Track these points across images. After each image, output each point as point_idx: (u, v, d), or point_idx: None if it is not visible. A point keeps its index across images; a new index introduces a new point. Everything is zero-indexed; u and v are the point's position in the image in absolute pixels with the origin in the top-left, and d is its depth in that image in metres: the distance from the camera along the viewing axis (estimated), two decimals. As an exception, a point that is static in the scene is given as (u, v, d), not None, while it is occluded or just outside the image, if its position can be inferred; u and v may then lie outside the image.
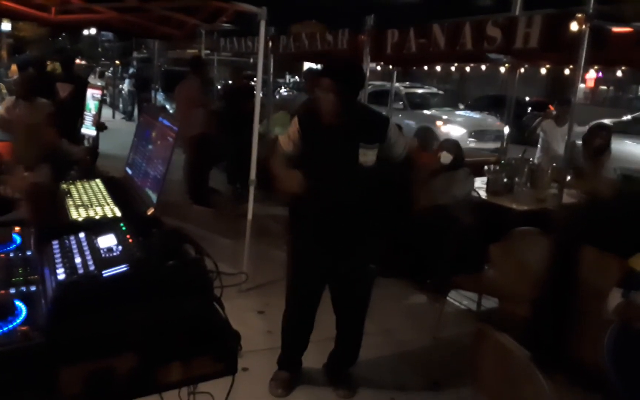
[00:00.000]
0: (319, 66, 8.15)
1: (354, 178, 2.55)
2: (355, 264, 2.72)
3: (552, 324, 3.03)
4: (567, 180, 4.21)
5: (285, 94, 16.16)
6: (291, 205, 2.79)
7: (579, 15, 3.45)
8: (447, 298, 3.85)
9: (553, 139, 5.77)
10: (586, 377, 2.59)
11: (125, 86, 15.43)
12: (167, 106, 9.46)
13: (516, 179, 4.73)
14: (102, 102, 5.80)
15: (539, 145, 6.13)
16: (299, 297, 2.84)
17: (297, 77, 25.18)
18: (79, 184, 1.98)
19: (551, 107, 7.05)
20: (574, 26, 3.52)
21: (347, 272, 2.72)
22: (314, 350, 3.00)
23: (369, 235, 2.72)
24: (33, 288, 1.32)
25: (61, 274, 1.25)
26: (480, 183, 4.75)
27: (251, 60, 11.44)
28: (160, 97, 10.67)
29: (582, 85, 3.75)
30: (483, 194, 4.60)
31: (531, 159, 5.19)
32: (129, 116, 14.56)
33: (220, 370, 1.35)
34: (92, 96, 5.62)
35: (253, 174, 4.16)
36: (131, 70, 15.81)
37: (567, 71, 5.78)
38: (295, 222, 2.79)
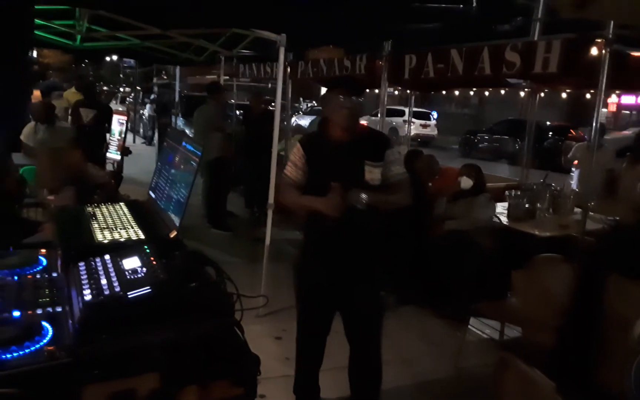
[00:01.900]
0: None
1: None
2: (365, 291, 2.62)
3: (577, 352, 2.94)
4: (591, 205, 4.14)
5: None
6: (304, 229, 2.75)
7: (599, 39, 3.44)
8: (469, 326, 3.78)
9: (588, 165, 5.69)
10: (613, 408, 2.50)
11: (146, 111, 15.73)
12: (187, 131, 9.61)
13: (538, 205, 4.66)
14: (127, 127, 5.94)
15: (573, 172, 6.06)
16: (306, 324, 2.78)
17: (314, 102, 25.46)
18: (103, 208, 2.01)
19: (572, 132, 6.99)
20: (593, 51, 3.51)
21: (355, 300, 2.62)
22: (331, 379, 2.93)
23: (378, 261, 2.64)
24: (59, 309, 1.34)
25: (88, 295, 1.27)
26: (501, 209, 4.69)
27: (269, 85, 11.63)
28: (180, 122, 10.85)
29: (604, 110, 3.71)
30: (504, 220, 4.54)
31: (552, 184, 5.11)
32: (149, 141, 14.82)
33: (239, 394, 1.34)
34: (118, 121, 5.75)
35: (271, 198, 4.18)
36: (152, 96, 16.17)
37: (588, 95, 5.73)
38: (304, 246, 2.75)
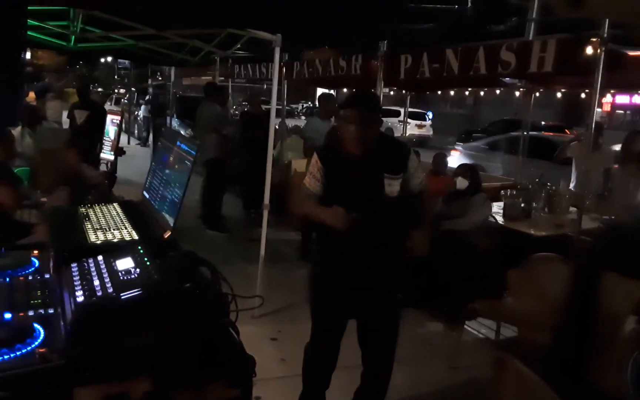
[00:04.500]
0: (332, 91, 8.21)
1: (381, 209, 2.49)
2: (384, 296, 2.61)
3: (574, 352, 2.94)
4: (587, 204, 4.14)
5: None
6: (304, 233, 2.73)
7: (594, 39, 3.45)
8: (465, 326, 3.77)
9: (584, 164, 5.67)
10: (610, 407, 2.50)
11: (141, 112, 15.67)
12: (182, 132, 9.59)
13: (534, 204, 4.67)
14: (120, 127, 5.91)
15: (572, 171, 6.06)
16: (323, 331, 2.72)
17: (310, 103, 25.46)
18: (97, 208, 1.99)
19: (567, 132, 7.01)
20: (588, 50, 3.52)
21: (376, 304, 2.61)
22: (338, 381, 2.85)
23: (397, 266, 2.64)
24: (51, 311, 1.32)
25: (80, 296, 1.25)
26: (497, 208, 4.69)
27: (265, 86, 11.61)
28: (175, 122, 10.82)
29: (598, 110, 3.71)
30: (500, 220, 4.55)
31: (548, 184, 5.11)
32: (143, 142, 14.76)
33: (235, 396, 1.32)
34: (112, 122, 5.73)
35: (267, 199, 4.16)
36: (147, 97, 16.12)
37: (583, 95, 5.74)
38: (320, 254, 2.73)
